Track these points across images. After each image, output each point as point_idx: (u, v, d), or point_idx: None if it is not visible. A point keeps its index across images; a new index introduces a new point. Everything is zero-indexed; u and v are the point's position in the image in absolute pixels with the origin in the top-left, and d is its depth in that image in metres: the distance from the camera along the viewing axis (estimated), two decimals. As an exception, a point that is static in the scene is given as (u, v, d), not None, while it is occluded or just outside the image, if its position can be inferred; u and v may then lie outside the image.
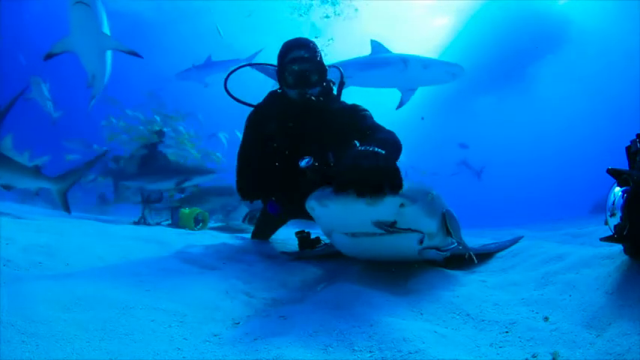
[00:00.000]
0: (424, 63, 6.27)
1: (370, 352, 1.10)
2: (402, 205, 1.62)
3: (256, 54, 10.55)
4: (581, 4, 17.86)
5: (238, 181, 2.93)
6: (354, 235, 1.74)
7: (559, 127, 26.86)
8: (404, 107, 6.94)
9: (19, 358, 0.98)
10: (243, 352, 1.11)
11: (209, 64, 11.90)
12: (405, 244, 1.77)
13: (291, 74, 2.58)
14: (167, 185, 5.96)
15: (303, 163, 2.03)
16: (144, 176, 5.99)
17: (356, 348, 1.12)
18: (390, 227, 1.65)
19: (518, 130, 28.03)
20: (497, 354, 1.12)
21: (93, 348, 1.08)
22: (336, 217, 1.72)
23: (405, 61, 6.24)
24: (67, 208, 4.58)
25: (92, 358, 1.04)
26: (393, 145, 2.25)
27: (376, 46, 6.72)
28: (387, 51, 6.72)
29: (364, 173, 1.57)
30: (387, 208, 1.59)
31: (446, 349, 1.11)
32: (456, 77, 6.46)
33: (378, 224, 1.64)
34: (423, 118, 12.70)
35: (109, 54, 6.13)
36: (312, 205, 1.77)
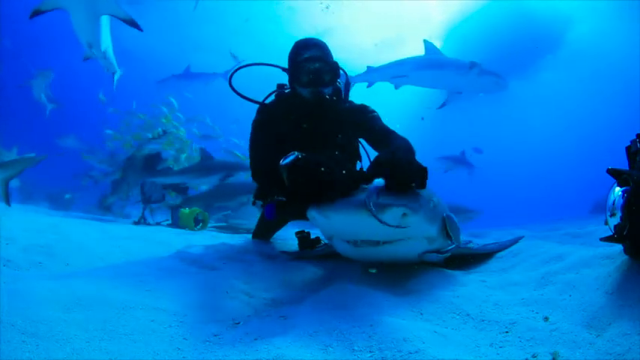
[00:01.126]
0: (482, 70, 6.37)
1: (370, 352, 1.10)
2: (404, 214, 1.64)
3: (238, 63, 10.81)
4: (581, 5, 17.86)
5: (260, 181, 2.86)
6: (355, 243, 1.75)
7: (559, 127, 26.85)
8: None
9: (19, 358, 0.98)
10: (243, 352, 1.11)
11: (187, 75, 12.30)
12: (406, 251, 1.79)
13: (305, 73, 2.59)
14: (211, 181, 6.03)
15: (285, 161, 1.90)
16: (187, 173, 6.06)
17: (356, 348, 1.12)
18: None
19: (517, 130, 28.02)
20: (497, 354, 1.12)
21: (93, 348, 1.08)
22: (338, 227, 1.74)
23: (471, 66, 6.33)
24: (7, 200, 4.23)
25: (92, 358, 1.04)
26: (412, 149, 2.34)
27: (429, 46, 6.85)
28: (440, 52, 6.85)
29: (401, 170, 1.72)
30: (389, 218, 1.60)
31: (446, 349, 1.11)
32: (501, 89, 6.65)
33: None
34: (423, 118, 12.67)
35: (106, 21, 5.54)
36: (313, 214, 1.78)
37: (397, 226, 1.62)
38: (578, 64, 21.22)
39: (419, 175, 1.74)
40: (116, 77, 6.56)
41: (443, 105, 7.02)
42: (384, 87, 6.94)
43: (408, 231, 1.70)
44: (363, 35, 19.81)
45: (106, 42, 5.78)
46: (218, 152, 7.26)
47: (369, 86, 6.77)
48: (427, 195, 1.83)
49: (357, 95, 3.01)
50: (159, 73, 13.69)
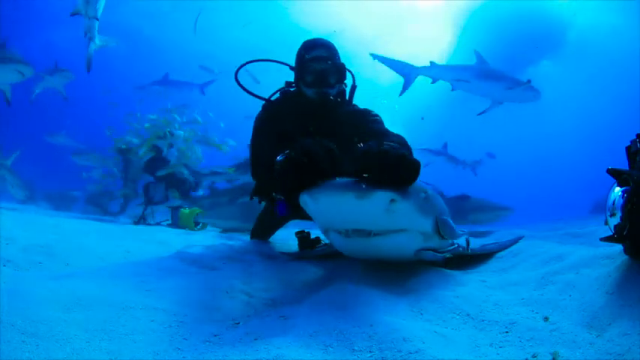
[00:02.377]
0: (529, 86, 6.78)
1: (370, 352, 1.10)
2: (392, 200, 1.58)
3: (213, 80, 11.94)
4: (581, 4, 17.86)
5: (259, 178, 2.84)
6: (347, 234, 1.72)
7: (559, 127, 26.84)
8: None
9: (19, 358, 0.98)
10: (243, 352, 1.11)
11: (165, 82, 13.00)
12: (399, 245, 1.75)
13: (310, 73, 2.59)
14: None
15: (279, 157, 1.95)
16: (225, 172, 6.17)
17: (356, 348, 1.12)
18: None
19: (517, 130, 28.01)
20: (497, 354, 1.12)
21: (93, 348, 1.08)
22: (327, 211, 1.70)
23: (526, 83, 6.69)
24: None
25: (92, 358, 1.04)
26: (407, 145, 2.30)
27: (479, 57, 7.21)
28: (487, 62, 7.21)
29: (390, 162, 1.60)
30: (376, 202, 1.57)
31: (446, 348, 1.11)
32: (534, 100, 7.14)
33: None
34: (423, 119, 12.68)
35: None
36: (304, 199, 1.75)
37: (386, 210, 1.58)
38: (578, 64, 21.22)
39: (411, 169, 1.64)
40: (92, 47, 5.98)
41: (482, 113, 7.43)
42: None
43: (399, 221, 1.66)
44: (365, 30, 19.87)
45: (101, 3, 5.57)
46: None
47: (433, 82, 7.12)
48: (418, 187, 1.77)
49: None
50: (160, 72, 13.77)
